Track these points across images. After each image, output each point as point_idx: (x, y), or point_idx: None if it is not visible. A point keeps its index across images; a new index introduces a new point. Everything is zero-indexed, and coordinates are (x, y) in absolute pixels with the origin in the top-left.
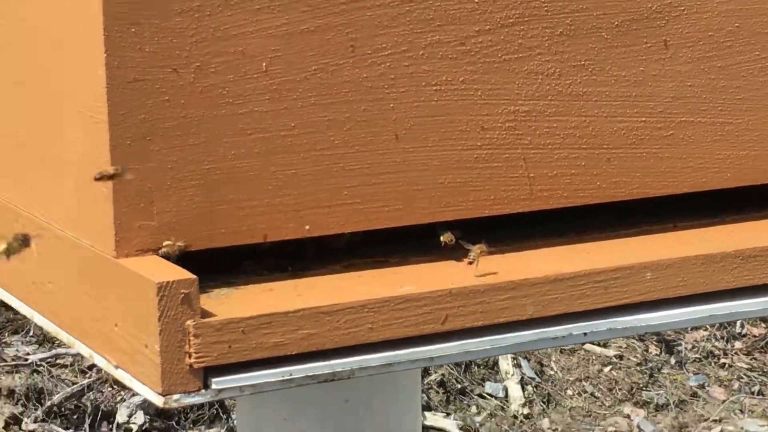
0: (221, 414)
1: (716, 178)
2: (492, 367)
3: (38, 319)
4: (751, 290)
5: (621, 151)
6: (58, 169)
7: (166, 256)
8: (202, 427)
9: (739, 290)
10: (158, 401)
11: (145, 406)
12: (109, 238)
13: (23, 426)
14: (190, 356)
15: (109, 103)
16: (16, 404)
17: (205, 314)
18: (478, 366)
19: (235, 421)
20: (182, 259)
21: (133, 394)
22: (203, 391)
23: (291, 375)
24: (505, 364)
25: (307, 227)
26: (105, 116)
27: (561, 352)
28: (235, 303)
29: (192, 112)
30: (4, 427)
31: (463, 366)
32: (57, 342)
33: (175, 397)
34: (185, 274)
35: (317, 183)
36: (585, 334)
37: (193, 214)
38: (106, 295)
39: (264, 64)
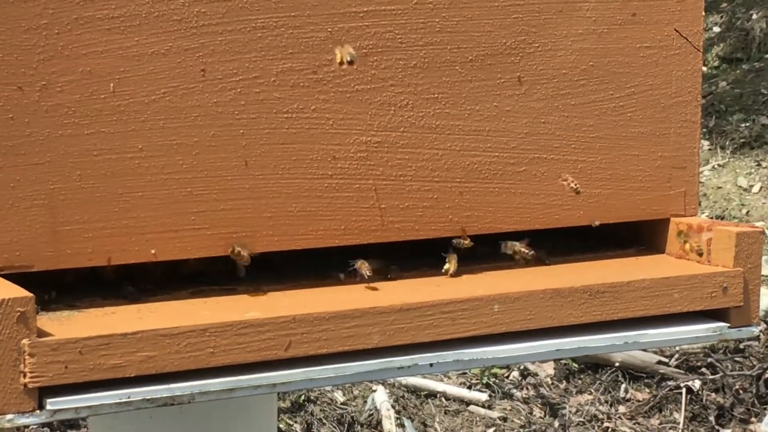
0: None
1: (568, 215)
2: (375, 426)
3: None
4: (598, 326)
5: (473, 185)
6: None
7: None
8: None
9: (586, 325)
10: None
11: None
12: None
13: None
14: (24, 376)
15: None
16: None
17: (43, 334)
18: (362, 425)
19: None
20: (26, 280)
21: None
22: (38, 411)
23: (129, 397)
24: (389, 423)
25: (153, 251)
26: None
27: (445, 413)
28: (74, 324)
29: (37, 131)
30: None
31: (346, 425)
32: None
33: (8, 416)
34: (21, 292)
35: (164, 207)
36: (431, 365)
37: (37, 234)
38: None
39: (112, 84)
